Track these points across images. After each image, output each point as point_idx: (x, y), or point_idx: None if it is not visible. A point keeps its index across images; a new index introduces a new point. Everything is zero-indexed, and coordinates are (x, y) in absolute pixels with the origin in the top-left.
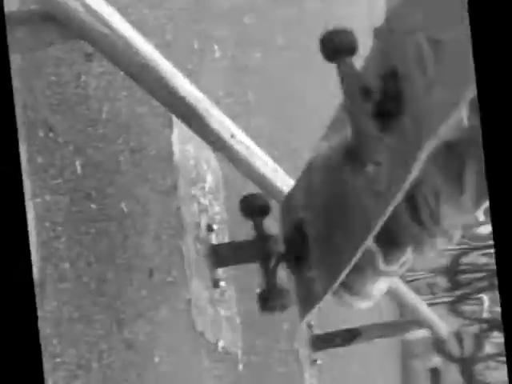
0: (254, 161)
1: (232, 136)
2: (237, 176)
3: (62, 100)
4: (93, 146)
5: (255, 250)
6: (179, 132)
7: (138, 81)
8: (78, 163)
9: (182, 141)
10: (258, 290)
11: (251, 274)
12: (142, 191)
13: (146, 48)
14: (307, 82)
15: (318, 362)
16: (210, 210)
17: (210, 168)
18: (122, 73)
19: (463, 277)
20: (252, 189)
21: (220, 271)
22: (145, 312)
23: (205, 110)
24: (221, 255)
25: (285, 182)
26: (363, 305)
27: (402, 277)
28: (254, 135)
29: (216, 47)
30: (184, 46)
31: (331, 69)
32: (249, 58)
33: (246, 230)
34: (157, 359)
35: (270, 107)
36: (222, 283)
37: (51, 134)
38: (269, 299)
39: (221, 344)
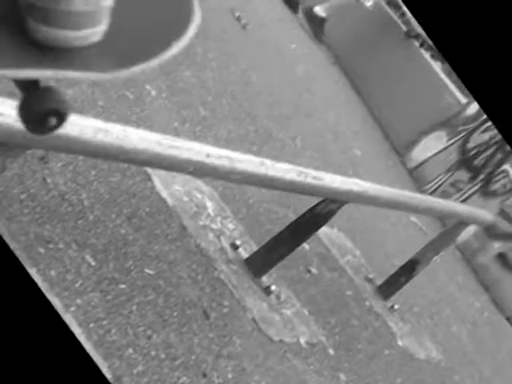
0: (239, 166)
1: (208, 156)
2: (231, 187)
3: (43, 210)
4: (92, 234)
5: None
6: (160, 179)
7: (99, 157)
8: (87, 256)
9: (167, 185)
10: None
11: (294, 266)
12: (158, 248)
13: (90, 123)
14: None
15: (395, 306)
16: (226, 230)
17: (205, 194)
18: (80, 157)
19: (478, 160)
20: (250, 191)
21: (264, 278)
22: (222, 351)
23: (168, 147)
24: (257, 264)
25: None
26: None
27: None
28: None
29: (148, 87)
30: (121, 99)
31: None
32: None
33: (265, 230)
34: None
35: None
36: (273, 287)
37: (51, 245)
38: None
39: (302, 340)
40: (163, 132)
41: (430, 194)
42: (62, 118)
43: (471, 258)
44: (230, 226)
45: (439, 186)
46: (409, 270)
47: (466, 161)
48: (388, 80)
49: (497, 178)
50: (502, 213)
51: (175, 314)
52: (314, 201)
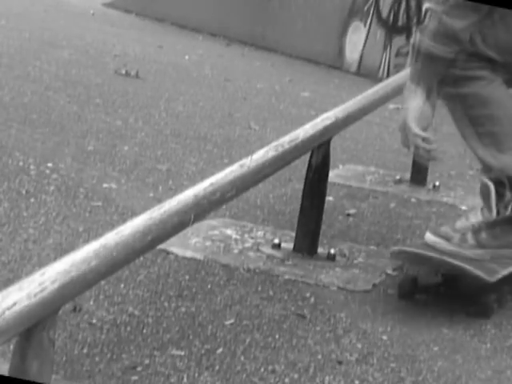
0: (226, 182)
1: (195, 196)
2: (234, 205)
3: None
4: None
5: None
6: (176, 245)
7: None
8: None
9: (185, 245)
10: None
11: (333, 221)
12: (222, 298)
13: None
14: None
15: (436, 183)
16: (259, 239)
17: (220, 227)
18: None
19: (399, 18)
20: (250, 194)
21: (320, 250)
22: (338, 331)
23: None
24: (305, 244)
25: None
26: None
27: None
28: None
29: (49, 165)
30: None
31: None
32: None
33: (287, 214)
34: None
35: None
36: (332, 251)
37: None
38: None
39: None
40: None
41: (388, 76)
42: None
43: None
44: (259, 233)
45: (389, 63)
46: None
47: (392, 28)
48: None
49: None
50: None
51: (278, 336)
52: (306, 158)
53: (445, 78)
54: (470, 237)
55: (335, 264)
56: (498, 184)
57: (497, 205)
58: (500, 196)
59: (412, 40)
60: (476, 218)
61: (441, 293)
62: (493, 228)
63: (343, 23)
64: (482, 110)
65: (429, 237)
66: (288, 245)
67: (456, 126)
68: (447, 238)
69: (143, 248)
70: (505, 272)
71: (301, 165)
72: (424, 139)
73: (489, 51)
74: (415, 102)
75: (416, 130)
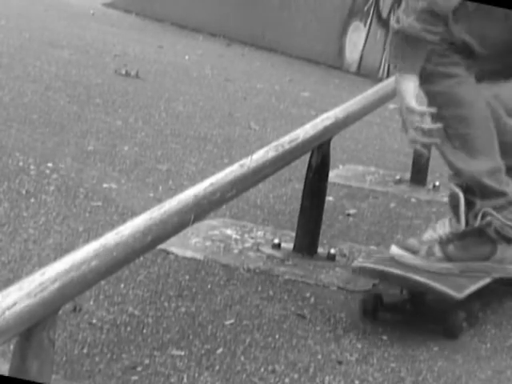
0: (226, 182)
1: (196, 196)
2: (234, 205)
3: None
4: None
5: None
6: (176, 245)
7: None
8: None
9: (185, 245)
10: None
11: (333, 221)
12: (222, 298)
13: None
14: None
15: (436, 183)
16: (259, 239)
17: (219, 227)
18: None
19: None
20: (250, 194)
21: (320, 250)
22: (337, 331)
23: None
24: (305, 244)
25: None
26: None
27: None
28: None
29: (50, 165)
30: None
31: None
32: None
33: (287, 214)
34: None
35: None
36: (332, 251)
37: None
38: None
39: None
40: None
41: (388, 76)
42: None
43: None
44: (259, 233)
45: (389, 63)
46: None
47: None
48: None
49: None
50: None
51: (278, 336)
52: (306, 158)
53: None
54: (437, 249)
55: (335, 264)
56: (468, 192)
57: (466, 214)
58: (469, 205)
59: (392, 22)
60: (444, 228)
61: (407, 310)
62: (461, 239)
63: (343, 23)
64: (453, 110)
65: (394, 249)
66: (288, 245)
67: None
68: (413, 251)
69: (143, 248)
70: (474, 287)
71: (301, 165)
72: (422, 116)
73: (465, 37)
74: (408, 85)
75: (412, 104)
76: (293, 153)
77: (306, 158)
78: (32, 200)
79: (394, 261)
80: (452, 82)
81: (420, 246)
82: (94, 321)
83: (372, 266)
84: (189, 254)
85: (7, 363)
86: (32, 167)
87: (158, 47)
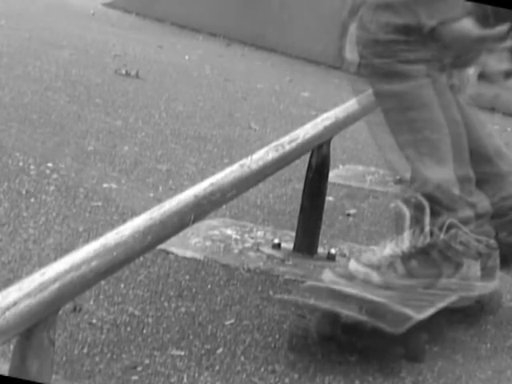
0: (225, 182)
1: (196, 196)
2: (235, 205)
3: None
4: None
5: None
6: (176, 245)
7: None
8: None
9: (185, 245)
10: None
11: (333, 220)
12: (222, 299)
13: None
14: None
15: None
16: (259, 239)
17: (220, 227)
18: None
19: None
20: (249, 194)
21: (320, 250)
22: None
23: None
24: (305, 244)
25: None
26: None
27: None
28: None
29: (50, 165)
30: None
31: None
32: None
33: (287, 214)
34: None
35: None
36: (333, 250)
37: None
38: None
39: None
40: None
41: None
42: None
43: None
44: (259, 233)
45: None
46: None
47: None
48: None
49: None
50: None
51: (278, 336)
52: (306, 158)
53: (377, 70)
54: (399, 265)
55: (335, 264)
56: (433, 201)
57: (431, 226)
58: (434, 215)
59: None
60: (407, 242)
61: (366, 332)
62: (425, 254)
63: (343, 23)
64: (421, 112)
65: (353, 265)
66: (288, 245)
67: (389, 129)
68: (373, 267)
69: (143, 248)
70: (439, 306)
71: (301, 165)
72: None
73: (431, 22)
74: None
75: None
76: (293, 153)
77: (306, 158)
78: (32, 200)
79: (351, 277)
80: (420, 81)
81: (380, 262)
82: (94, 321)
83: (324, 285)
84: (189, 254)
85: (7, 363)
86: (32, 167)
87: (158, 47)
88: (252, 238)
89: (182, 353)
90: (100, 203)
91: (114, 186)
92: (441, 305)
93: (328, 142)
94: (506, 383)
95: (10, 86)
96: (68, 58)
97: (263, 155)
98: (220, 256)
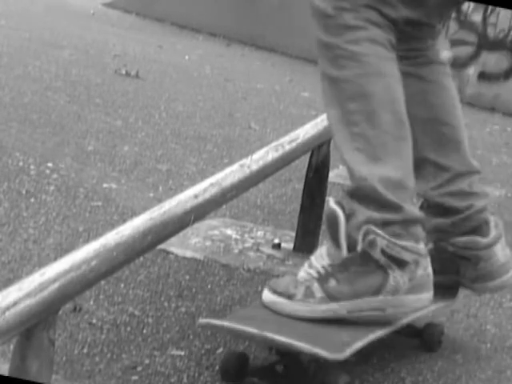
0: (227, 183)
1: (196, 196)
2: (234, 205)
3: None
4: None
5: None
6: (176, 245)
7: None
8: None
9: (185, 245)
10: None
11: None
12: (222, 298)
13: None
14: None
15: None
16: (259, 240)
17: (220, 227)
18: None
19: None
20: (249, 194)
21: None
22: None
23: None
24: (305, 244)
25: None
26: None
27: None
28: None
29: (50, 165)
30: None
31: None
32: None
33: (287, 214)
34: None
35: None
36: None
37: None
38: None
39: None
40: None
41: None
42: None
43: None
44: (259, 233)
45: None
46: None
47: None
48: None
49: None
50: None
51: None
52: (306, 158)
53: (324, 52)
54: (316, 288)
55: None
56: (354, 197)
57: (347, 233)
58: (351, 217)
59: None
60: (321, 261)
61: (278, 374)
62: (343, 271)
63: None
64: (361, 104)
65: (266, 295)
66: (288, 245)
67: (328, 117)
68: (288, 296)
69: (143, 248)
70: (363, 340)
71: (301, 165)
72: None
73: None
74: None
75: None
76: (293, 153)
77: (306, 158)
78: (32, 200)
79: (263, 310)
80: (366, 68)
81: (295, 289)
82: (94, 321)
83: (222, 323)
84: (189, 254)
85: (7, 363)
86: (32, 167)
87: (158, 47)
88: (252, 237)
89: (182, 353)
90: (100, 203)
91: (113, 185)
92: (367, 339)
93: (328, 142)
94: (506, 383)
95: (10, 85)
96: (68, 58)
97: (263, 155)
98: (220, 256)
